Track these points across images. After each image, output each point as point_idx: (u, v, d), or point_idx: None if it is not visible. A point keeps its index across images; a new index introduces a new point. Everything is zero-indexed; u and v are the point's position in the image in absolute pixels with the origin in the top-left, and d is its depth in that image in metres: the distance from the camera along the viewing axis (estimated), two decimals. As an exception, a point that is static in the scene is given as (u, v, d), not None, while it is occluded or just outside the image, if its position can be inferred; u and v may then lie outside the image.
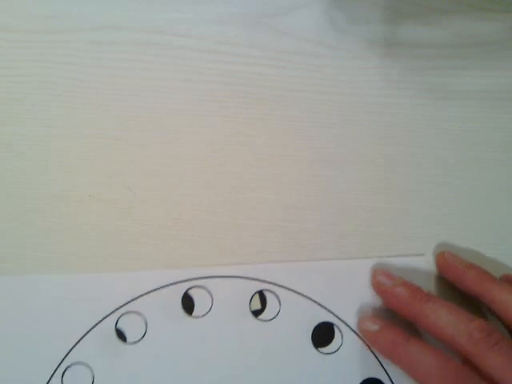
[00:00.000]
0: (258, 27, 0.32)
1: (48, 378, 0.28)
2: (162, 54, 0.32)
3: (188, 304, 0.29)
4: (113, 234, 0.30)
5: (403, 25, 0.32)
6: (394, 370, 0.28)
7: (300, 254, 0.30)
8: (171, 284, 0.29)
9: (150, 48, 0.32)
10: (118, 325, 0.28)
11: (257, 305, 0.29)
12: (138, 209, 0.30)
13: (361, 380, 0.28)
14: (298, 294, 0.29)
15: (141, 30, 0.32)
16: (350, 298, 0.29)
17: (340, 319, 0.29)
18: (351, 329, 0.29)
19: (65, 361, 0.28)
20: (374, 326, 0.28)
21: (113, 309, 0.28)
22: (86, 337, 0.28)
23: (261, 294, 0.29)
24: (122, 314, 0.28)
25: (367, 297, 0.29)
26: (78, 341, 0.28)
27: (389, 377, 0.28)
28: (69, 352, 0.28)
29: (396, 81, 0.32)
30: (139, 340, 0.28)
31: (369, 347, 0.28)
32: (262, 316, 0.29)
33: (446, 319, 0.26)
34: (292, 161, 0.31)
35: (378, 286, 0.29)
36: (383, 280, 0.28)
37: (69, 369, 0.28)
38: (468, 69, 0.32)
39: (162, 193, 0.30)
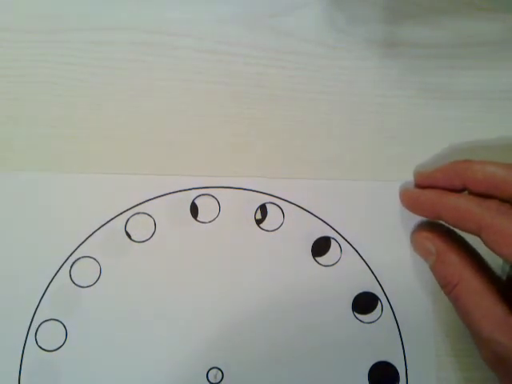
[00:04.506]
0: (258, 27, 0.32)
1: (56, 270, 0.29)
2: (162, 54, 0.32)
3: (196, 210, 0.30)
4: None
5: (403, 25, 0.32)
6: (390, 287, 0.29)
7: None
8: (181, 190, 0.30)
9: (150, 48, 0.32)
10: (127, 224, 0.29)
11: (261, 216, 0.30)
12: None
13: (356, 293, 0.29)
14: (302, 208, 0.30)
15: (141, 30, 0.32)
16: (352, 217, 0.30)
17: (340, 235, 0.30)
18: (350, 245, 0.30)
19: (73, 255, 0.29)
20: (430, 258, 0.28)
21: (123, 209, 0.29)
22: (95, 234, 0.29)
23: (266, 206, 0.30)
24: (132, 215, 0.29)
25: (371, 217, 0.30)
26: (88, 237, 0.29)
27: (384, 292, 0.29)
28: (78, 247, 0.29)
29: (396, 81, 0.32)
30: (147, 240, 0.29)
31: (366, 263, 0.29)
32: (265, 226, 0.30)
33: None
34: (292, 161, 0.31)
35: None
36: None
37: (77, 262, 0.29)
38: (468, 69, 0.32)
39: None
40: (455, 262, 0.26)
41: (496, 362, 0.25)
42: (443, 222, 0.27)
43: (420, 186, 0.29)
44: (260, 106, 0.32)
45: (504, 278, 0.28)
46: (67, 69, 0.32)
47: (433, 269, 0.28)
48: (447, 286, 0.27)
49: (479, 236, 0.25)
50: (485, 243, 0.25)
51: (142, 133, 0.31)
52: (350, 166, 0.31)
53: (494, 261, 0.27)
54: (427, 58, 0.32)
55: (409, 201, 0.29)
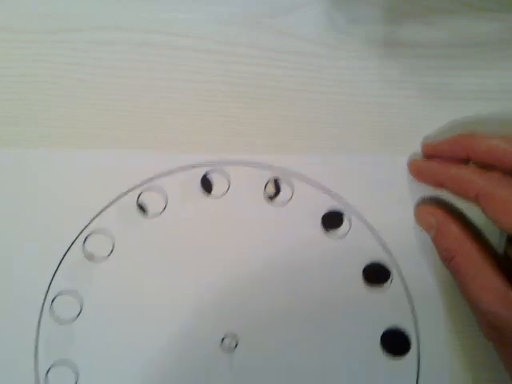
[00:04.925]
0: (258, 27, 0.32)
1: (70, 243, 0.29)
2: (162, 54, 0.32)
3: (206, 185, 0.30)
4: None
5: (403, 25, 0.32)
6: (399, 256, 0.30)
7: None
8: (191, 166, 0.30)
9: (150, 48, 0.32)
10: (140, 199, 0.30)
11: (271, 190, 0.30)
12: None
13: (366, 264, 0.30)
14: (311, 182, 0.30)
15: (141, 30, 0.32)
16: (361, 190, 0.30)
17: (350, 207, 0.30)
18: (360, 217, 0.30)
19: (87, 228, 0.30)
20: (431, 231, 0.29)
21: (134, 184, 0.30)
22: (107, 209, 0.30)
23: (276, 181, 0.30)
24: (143, 190, 0.30)
25: (379, 190, 0.30)
26: (101, 211, 0.30)
27: (393, 262, 0.30)
28: (91, 221, 0.30)
29: (396, 81, 0.32)
30: (159, 214, 0.30)
31: (375, 234, 0.30)
32: (275, 201, 0.30)
33: None
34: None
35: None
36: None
37: (91, 235, 0.30)
38: (468, 69, 0.32)
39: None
40: (455, 235, 0.27)
41: (494, 332, 0.26)
42: (445, 198, 0.29)
43: (427, 156, 0.30)
44: (260, 106, 0.32)
45: (501, 252, 0.29)
46: (67, 69, 0.32)
47: (434, 241, 0.29)
48: (447, 258, 0.28)
49: (479, 204, 0.26)
50: (484, 211, 0.26)
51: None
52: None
53: (491, 238, 0.28)
54: (427, 58, 0.32)
55: (416, 170, 0.30)
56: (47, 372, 0.28)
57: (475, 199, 0.26)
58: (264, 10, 0.32)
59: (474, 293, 0.26)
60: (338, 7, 0.32)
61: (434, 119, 0.31)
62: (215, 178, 0.30)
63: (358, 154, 0.31)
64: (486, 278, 0.26)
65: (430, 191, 0.30)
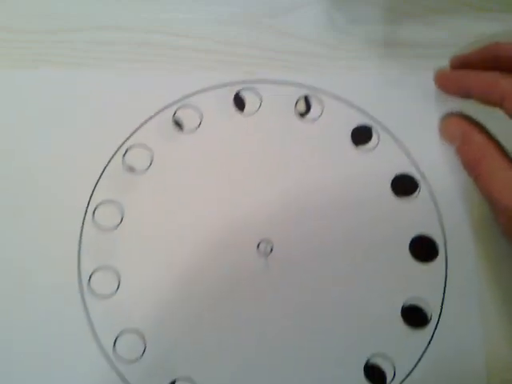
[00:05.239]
0: (258, 27, 0.32)
1: (111, 155, 0.31)
2: (162, 54, 0.32)
3: (239, 103, 0.31)
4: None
5: (403, 25, 0.32)
6: (426, 168, 0.31)
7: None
8: (224, 85, 0.31)
9: (150, 48, 0.32)
10: (176, 116, 0.31)
11: (302, 107, 0.31)
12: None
13: (394, 175, 0.31)
14: (341, 100, 0.31)
15: (141, 30, 0.32)
16: (388, 106, 0.31)
17: (378, 122, 0.31)
18: (388, 131, 0.31)
19: (126, 143, 0.31)
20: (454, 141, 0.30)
21: (171, 101, 0.31)
22: (145, 125, 0.31)
23: (306, 98, 0.31)
24: (179, 107, 0.31)
25: (407, 106, 0.31)
26: (139, 127, 0.31)
27: (420, 172, 0.31)
28: (131, 135, 0.31)
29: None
30: (194, 130, 0.31)
31: (403, 147, 0.31)
32: (306, 118, 0.31)
33: None
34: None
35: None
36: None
37: (131, 149, 0.31)
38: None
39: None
40: (479, 142, 0.29)
41: None
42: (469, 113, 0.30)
43: (454, 68, 0.31)
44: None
45: None
46: (67, 68, 0.32)
47: (458, 151, 0.30)
48: (471, 164, 0.29)
49: (501, 107, 0.27)
50: (506, 112, 0.27)
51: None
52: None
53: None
54: (427, 58, 0.32)
55: (442, 79, 0.31)
56: (90, 277, 0.29)
57: (500, 103, 0.27)
58: (264, 9, 0.32)
59: (497, 191, 0.27)
60: (338, 7, 0.32)
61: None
62: (247, 96, 0.31)
63: (385, 70, 0.32)
64: (508, 178, 0.27)
65: (455, 106, 0.31)
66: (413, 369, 0.29)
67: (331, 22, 0.32)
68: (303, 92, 0.31)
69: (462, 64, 0.30)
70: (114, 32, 0.32)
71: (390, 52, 0.32)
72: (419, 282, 0.30)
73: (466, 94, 0.29)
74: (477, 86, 0.28)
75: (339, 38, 0.32)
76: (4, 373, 0.29)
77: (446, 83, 0.31)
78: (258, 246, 0.30)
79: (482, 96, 0.28)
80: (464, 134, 0.29)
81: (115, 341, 0.29)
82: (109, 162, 0.31)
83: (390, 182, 0.31)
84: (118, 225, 0.30)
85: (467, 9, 0.32)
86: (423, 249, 0.30)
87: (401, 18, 0.32)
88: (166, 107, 0.31)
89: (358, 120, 0.31)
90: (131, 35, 0.32)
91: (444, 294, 0.30)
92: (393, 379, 0.29)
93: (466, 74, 0.29)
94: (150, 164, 0.31)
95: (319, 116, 0.31)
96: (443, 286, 0.30)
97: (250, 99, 0.31)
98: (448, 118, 0.31)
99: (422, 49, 0.32)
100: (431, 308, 0.29)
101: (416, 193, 0.31)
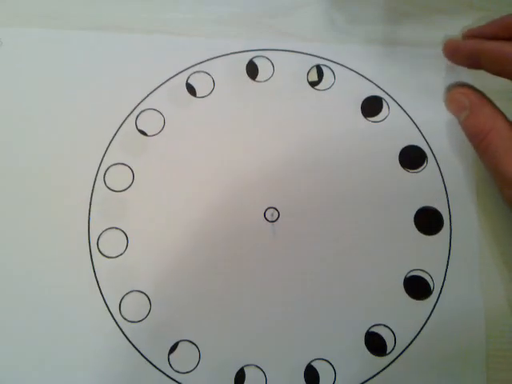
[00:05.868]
0: (258, 27, 0.32)
1: (124, 119, 0.31)
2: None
3: (252, 70, 0.32)
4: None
5: (403, 25, 0.32)
6: (434, 141, 0.31)
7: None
8: (238, 52, 0.32)
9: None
10: (189, 81, 0.32)
11: (314, 77, 0.32)
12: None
13: (402, 146, 0.31)
14: (353, 70, 0.32)
15: (141, 30, 0.32)
16: (398, 78, 0.32)
17: (388, 95, 0.32)
18: (397, 103, 0.32)
19: (139, 106, 0.31)
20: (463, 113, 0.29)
21: (184, 67, 0.32)
22: (159, 89, 0.31)
23: (318, 67, 0.32)
24: (193, 73, 0.32)
25: (416, 79, 0.32)
26: (152, 91, 0.31)
27: (428, 145, 0.31)
28: (143, 99, 0.31)
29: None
30: (207, 95, 0.32)
31: (412, 119, 0.31)
32: (317, 87, 0.32)
33: None
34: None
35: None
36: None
37: (143, 113, 0.31)
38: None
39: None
40: (488, 113, 0.28)
41: None
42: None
43: (466, 38, 0.30)
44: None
45: None
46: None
47: (465, 122, 0.29)
48: (479, 136, 0.28)
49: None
50: None
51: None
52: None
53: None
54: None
55: (452, 49, 0.30)
56: (98, 237, 0.30)
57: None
58: (264, 9, 0.32)
59: (503, 163, 0.27)
60: (338, 7, 0.32)
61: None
62: (260, 64, 0.32)
63: (395, 44, 0.32)
64: None
65: (463, 80, 0.31)
66: (413, 339, 0.29)
67: (331, 22, 0.32)
68: (315, 62, 0.32)
69: (476, 37, 0.29)
70: (113, 32, 0.32)
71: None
72: (423, 254, 0.30)
73: (475, 64, 0.29)
74: (489, 55, 0.28)
75: (339, 38, 0.32)
76: (12, 328, 0.29)
77: (455, 53, 0.30)
78: (265, 212, 0.30)
79: (495, 66, 0.28)
80: (472, 104, 0.29)
81: (121, 301, 0.29)
82: (121, 125, 0.31)
83: (398, 153, 0.31)
84: (129, 187, 0.30)
85: (467, 9, 0.32)
86: (428, 221, 0.30)
87: (401, 18, 0.32)
88: (179, 72, 0.32)
89: (369, 91, 0.32)
90: (131, 35, 0.32)
91: (447, 266, 0.30)
92: (393, 349, 0.29)
93: (477, 43, 0.29)
94: (162, 128, 0.31)
95: (331, 85, 0.32)
96: (447, 258, 0.30)
97: (262, 67, 0.32)
98: (455, 88, 0.30)
99: (422, 49, 0.32)
100: (434, 280, 0.30)
101: (423, 165, 0.31)
